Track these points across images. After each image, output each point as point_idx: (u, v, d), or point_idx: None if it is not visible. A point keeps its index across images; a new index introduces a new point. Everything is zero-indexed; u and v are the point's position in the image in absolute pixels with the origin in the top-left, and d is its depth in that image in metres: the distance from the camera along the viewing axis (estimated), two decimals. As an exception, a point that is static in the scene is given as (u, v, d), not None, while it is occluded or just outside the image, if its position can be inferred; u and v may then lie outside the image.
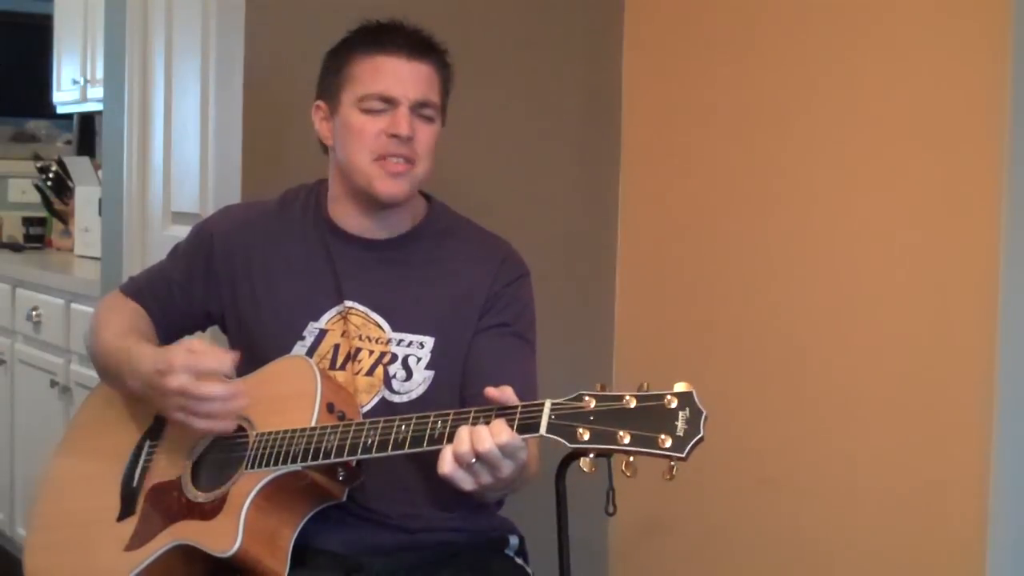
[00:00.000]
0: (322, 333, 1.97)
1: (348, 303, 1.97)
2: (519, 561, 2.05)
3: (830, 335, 2.67)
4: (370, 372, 1.94)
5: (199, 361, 1.80)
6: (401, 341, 1.96)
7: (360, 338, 1.96)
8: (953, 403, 2.45)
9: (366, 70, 1.95)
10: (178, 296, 2.07)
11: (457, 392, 1.96)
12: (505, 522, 2.06)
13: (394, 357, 1.95)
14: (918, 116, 2.51)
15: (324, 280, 1.99)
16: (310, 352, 1.97)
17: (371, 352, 1.95)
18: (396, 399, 1.94)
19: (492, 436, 1.59)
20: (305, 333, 1.97)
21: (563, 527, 2.14)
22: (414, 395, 1.94)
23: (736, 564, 2.89)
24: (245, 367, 2.01)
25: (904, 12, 2.53)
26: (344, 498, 1.85)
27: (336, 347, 1.96)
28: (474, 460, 1.60)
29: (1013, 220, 2.35)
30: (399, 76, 1.94)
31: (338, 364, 1.95)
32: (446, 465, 1.62)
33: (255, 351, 1.98)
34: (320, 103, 2.03)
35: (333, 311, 1.98)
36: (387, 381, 1.94)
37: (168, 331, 2.08)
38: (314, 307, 1.98)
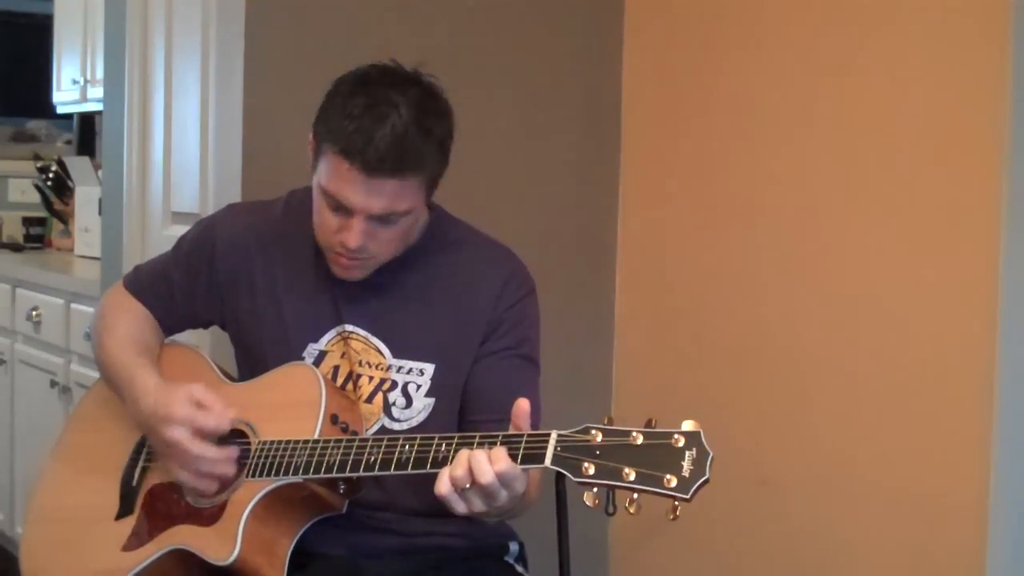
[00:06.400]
0: (321, 354, 1.94)
1: (348, 326, 1.94)
2: (519, 568, 2.05)
3: (830, 335, 2.67)
4: (369, 399, 1.92)
5: (198, 419, 1.82)
6: (401, 368, 1.92)
7: (360, 363, 1.93)
8: (953, 405, 2.44)
9: (330, 164, 1.78)
10: (179, 299, 2.06)
11: (457, 418, 1.94)
12: (505, 528, 2.05)
13: (394, 384, 1.92)
14: (918, 117, 2.50)
15: (324, 301, 1.95)
16: None
17: (371, 379, 1.92)
18: (396, 426, 1.92)
19: (491, 463, 1.57)
20: (304, 354, 1.94)
21: (563, 527, 2.13)
22: (414, 422, 1.92)
23: (736, 565, 2.88)
24: (245, 372, 2.02)
25: (904, 15, 2.53)
26: (344, 510, 1.85)
27: (336, 368, 1.93)
28: (469, 485, 1.58)
29: (1013, 222, 2.35)
30: (358, 190, 1.76)
31: (337, 385, 1.93)
32: (442, 486, 1.60)
33: (255, 359, 1.98)
34: (311, 138, 1.86)
35: (332, 332, 1.95)
36: (387, 409, 1.92)
37: (172, 329, 2.09)
38: (314, 328, 1.95)
